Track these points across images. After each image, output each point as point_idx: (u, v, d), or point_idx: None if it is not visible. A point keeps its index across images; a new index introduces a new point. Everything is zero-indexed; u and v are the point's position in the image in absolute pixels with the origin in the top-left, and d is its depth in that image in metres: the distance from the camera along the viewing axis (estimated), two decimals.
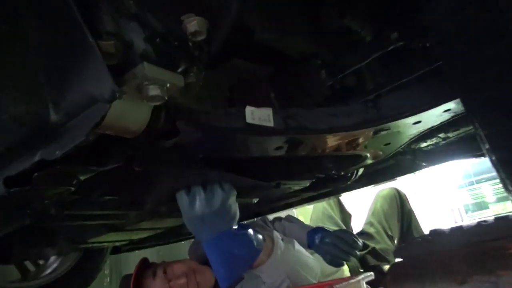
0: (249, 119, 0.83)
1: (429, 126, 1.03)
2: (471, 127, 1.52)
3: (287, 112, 0.89)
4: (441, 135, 1.58)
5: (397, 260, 0.65)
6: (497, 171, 0.67)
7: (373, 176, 2.05)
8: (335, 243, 1.66)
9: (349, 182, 1.69)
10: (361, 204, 3.26)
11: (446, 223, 5.92)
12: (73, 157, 0.72)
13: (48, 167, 0.70)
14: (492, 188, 5.93)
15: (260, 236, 1.15)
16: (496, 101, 0.58)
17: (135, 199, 1.08)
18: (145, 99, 0.60)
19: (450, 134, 1.60)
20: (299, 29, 0.96)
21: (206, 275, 1.56)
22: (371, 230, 2.58)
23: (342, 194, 2.37)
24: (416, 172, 2.01)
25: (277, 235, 1.25)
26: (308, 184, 1.31)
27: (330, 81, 1.07)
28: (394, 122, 0.95)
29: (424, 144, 1.66)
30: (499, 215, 0.59)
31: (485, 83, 0.59)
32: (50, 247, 1.52)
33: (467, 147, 1.77)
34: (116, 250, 2.37)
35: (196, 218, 1.05)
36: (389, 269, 0.63)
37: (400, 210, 2.72)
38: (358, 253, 1.72)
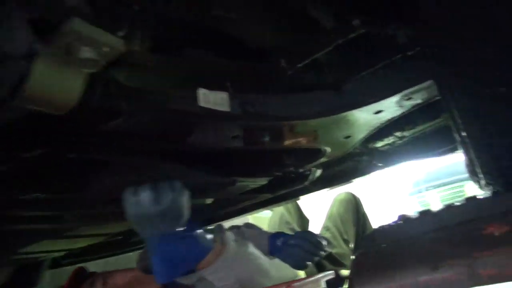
0: (201, 102, 0.75)
1: (389, 117, 1.00)
2: (426, 125, 1.54)
3: (245, 97, 0.82)
4: (398, 133, 1.58)
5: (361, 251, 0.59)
6: (467, 152, 0.63)
7: (331, 178, 2.03)
8: (299, 245, 1.60)
9: (306, 183, 1.65)
10: (319, 210, 3.25)
11: None
12: None
13: None
14: (438, 196, 6.21)
15: (209, 236, 1.07)
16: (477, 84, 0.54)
17: (72, 197, 0.95)
18: (76, 63, 0.51)
19: (406, 133, 1.60)
20: (258, 12, 0.90)
21: (152, 287, 1.44)
22: (327, 234, 2.56)
23: (300, 198, 2.33)
24: (373, 174, 2.01)
25: (229, 236, 1.17)
26: (265, 182, 1.24)
27: (290, 70, 1.01)
28: (356, 111, 0.90)
29: (380, 144, 1.65)
30: (468, 196, 0.55)
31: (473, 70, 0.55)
32: None
33: (422, 147, 1.79)
34: (55, 264, 2.16)
35: (142, 217, 0.97)
36: (353, 261, 0.57)
37: (355, 214, 2.74)
38: (323, 253, 1.68)
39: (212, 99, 0.77)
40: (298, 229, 2.77)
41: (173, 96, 0.70)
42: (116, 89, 0.62)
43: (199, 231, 1.05)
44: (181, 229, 1.01)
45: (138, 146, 0.76)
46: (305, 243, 1.61)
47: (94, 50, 0.50)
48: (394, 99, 0.88)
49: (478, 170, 0.62)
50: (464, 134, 0.57)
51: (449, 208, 0.56)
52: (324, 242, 1.67)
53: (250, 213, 2.27)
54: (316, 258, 1.64)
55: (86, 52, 0.50)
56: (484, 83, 0.51)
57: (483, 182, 0.64)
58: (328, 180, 2.03)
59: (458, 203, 0.56)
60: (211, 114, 0.76)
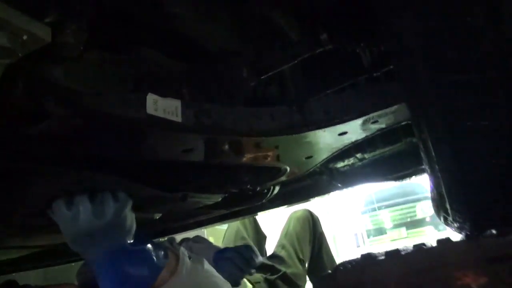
0: (150, 109, 0.66)
1: (353, 139, 0.96)
2: (387, 148, 1.53)
3: (200, 106, 0.74)
4: (358, 155, 1.55)
5: None
6: (436, 186, 0.58)
7: (289, 196, 1.98)
8: (232, 259, 1.53)
9: (264, 200, 1.58)
10: (277, 226, 3.20)
11: (349, 247, 6.19)
12: None
13: None
14: (390, 215, 6.38)
15: (162, 252, 0.96)
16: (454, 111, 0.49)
17: None
18: None
19: (366, 155, 1.58)
20: (219, 15, 0.83)
21: None
22: (282, 253, 2.50)
23: (257, 214, 2.26)
24: (331, 194, 1.99)
25: (183, 251, 1.07)
26: (220, 199, 1.15)
27: (252, 81, 0.95)
28: (319, 132, 0.85)
29: (341, 164, 1.62)
30: (441, 238, 0.50)
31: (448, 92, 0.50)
32: None
33: (380, 170, 1.78)
34: None
35: (81, 233, 0.84)
36: None
37: (312, 232, 2.70)
38: (253, 271, 1.62)
39: (163, 107, 0.68)
40: (253, 245, 2.69)
41: (115, 99, 0.60)
42: (42, 87, 0.52)
43: (149, 245, 0.94)
44: (129, 243, 0.89)
45: (71, 154, 0.65)
46: (238, 258, 1.55)
47: (10, 36, 0.40)
48: (359, 121, 0.83)
49: (447, 206, 0.57)
50: (436, 167, 0.52)
51: (419, 250, 0.50)
52: (258, 260, 1.61)
53: (205, 227, 2.17)
54: (244, 275, 1.59)
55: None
56: (464, 114, 0.46)
57: (450, 218, 0.59)
58: (286, 198, 1.98)
59: (429, 245, 0.51)
60: (160, 124, 0.67)
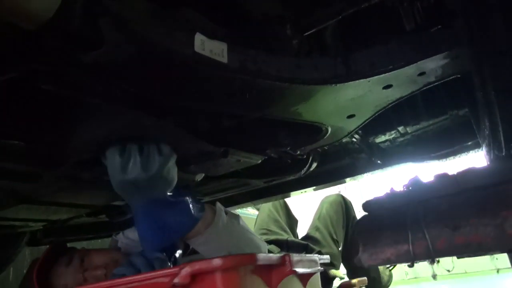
0: (197, 48, 0.68)
1: (398, 95, 0.93)
2: (431, 121, 1.48)
3: (246, 52, 0.75)
4: (400, 128, 1.52)
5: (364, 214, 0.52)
6: (491, 118, 0.56)
7: (327, 175, 1.97)
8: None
9: (302, 173, 1.58)
10: (306, 210, 3.20)
11: None
12: None
13: None
14: None
15: (199, 205, 0.99)
16: None
17: (50, 150, 0.87)
18: None
19: (409, 129, 1.54)
20: None
21: None
22: (317, 234, 2.50)
23: (290, 194, 2.25)
24: (371, 173, 1.95)
25: (220, 206, 1.09)
26: (259, 161, 1.16)
27: (296, 39, 0.94)
28: (363, 83, 0.83)
29: (382, 138, 1.59)
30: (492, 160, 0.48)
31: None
32: None
33: (423, 148, 1.73)
34: (35, 242, 2.07)
35: (128, 182, 0.89)
36: (357, 222, 0.50)
37: (345, 216, 2.68)
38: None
39: (210, 47, 0.70)
40: (287, 228, 2.71)
41: (166, 33, 0.62)
42: (100, 13, 0.54)
43: (188, 198, 0.98)
44: (169, 195, 0.93)
45: (121, 88, 0.68)
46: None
47: None
48: (406, 71, 0.81)
49: (499, 136, 0.55)
50: (492, 94, 0.50)
51: (469, 171, 0.48)
52: None
53: (239, 205, 2.20)
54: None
55: None
56: None
57: (501, 154, 0.57)
58: (324, 177, 1.97)
59: (478, 167, 0.49)
60: (206, 63, 0.68)
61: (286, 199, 2.82)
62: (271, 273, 0.56)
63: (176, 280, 0.47)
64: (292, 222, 2.84)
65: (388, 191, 0.52)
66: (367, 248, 0.45)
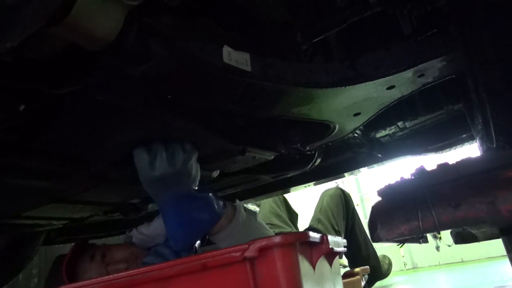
0: (226, 59, 0.77)
1: (399, 95, 1.03)
2: (428, 116, 1.58)
3: (265, 60, 0.84)
4: (399, 123, 1.61)
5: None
6: (483, 113, 0.66)
7: (330, 168, 2.05)
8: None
9: (308, 168, 1.67)
10: (304, 204, 3.31)
11: None
12: (24, 72, 0.62)
13: None
14: None
15: (221, 202, 1.08)
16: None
17: (83, 154, 0.96)
18: None
19: (407, 124, 1.64)
20: None
21: None
22: (319, 226, 2.60)
23: (291, 190, 2.33)
24: (372, 166, 2.04)
25: (239, 203, 1.19)
26: (272, 157, 1.26)
27: (305, 44, 1.04)
28: (369, 85, 0.93)
29: (382, 133, 1.69)
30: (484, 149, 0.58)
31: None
32: None
33: (421, 141, 1.83)
34: (49, 241, 2.15)
35: (156, 178, 0.98)
36: (374, 205, 0.60)
37: (345, 208, 2.78)
38: None
39: (235, 58, 0.79)
40: (289, 221, 2.80)
41: (200, 47, 0.72)
42: (149, 32, 0.64)
43: (211, 193, 1.07)
44: (194, 190, 1.02)
45: (161, 97, 0.77)
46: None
47: None
48: (407, 73, 0.91)
49: (492, 133, 0.65)
50: (483, 95, 0.60)
51: (466, 160, 0.59)
52: None
53: (242, 201, 2.29)
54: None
55: None
56: None
57: (493, 146, 0.67)
58: (326, 171, 2.05)
59: (474, 157, 0.59)
60: (234, 71, 0.78)
61: (285, 194, 2.92)
62: (312, 251, 0.66)
63: (247, 254, 0.57)
64: (292, 215, 2.93)
65: (398, 179, 0.61)
66: (384, 226, 0.55)
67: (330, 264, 0.78)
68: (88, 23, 0.54)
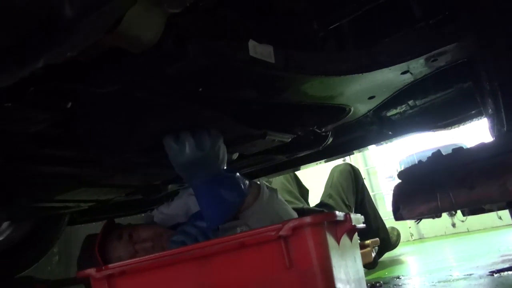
0: (252, 52, 0.82)
1: (412, 79, 1.08)
2: (438, 94, 1.62)
3: (287, 51, 0.89)
4: (410, 102, 1.66)
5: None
6: (495, 100, 0.72)
7: (341, 146, 2.11)
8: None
9: (321, 147, 1.74)
10: (315, 181, 3.39)
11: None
12: (71, 74, 0.68)
13: (45, 83, 0.65)
14: None
15: (246, 181, 1.16)
16: None
17: (115, 144, 1.03)
18: (165, 2, 0.57)
19: (418, 102, 1.68)
20: None
21: None
22: (330, 201, 2.68)
23: (301, 168, 2.39)
24: (381, 144, 2.10)
25: (263, 182, 1.26)
26: (289, 140, 1.32)
27: (321, 32, 1.08)
28: (384, 71, 0.98)
29: (393, 112, 1.73)
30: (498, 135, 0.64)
31: None
32: (6, 205, 1.41)
33: (430, 118, 1.87)
34: (72, 222, 2.26)
35: (187, 163, 1.05)
36: (395, 187, 0.66)
37: (354, 183, 2.86)
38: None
39: (260, 51, 0.84)
40: (300, 197, 2.89)
41: (228, 43, 0.77)
42: (186, 34, 0.69)
43: (238, 173, 1.14)
44: (223, 171, 1.09)
45: (191, 90, 0.83)
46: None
47: None
48: (421, 60, 0.96)
49: (502, 115, 0.70)
50: (496, 84, 0.65)
51: (480, 146, 0.64)
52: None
53: (257, 179, 2.37)
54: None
55: None
56: None
57: (504, 129, 0.73)
58: (338, 148, 2.11)
59: (487, 142, 0.65)
60: (259, 64, 0.83)
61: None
62: (336, 228, 0.73)
63: (281, 233, 0.65)
64: (303, 191, 3.02)
65: (416, 163, 0.68)
66: (406, 206, 0.62)
67: (351, 238, 0.86)
68: (136, 30, 0.60)
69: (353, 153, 2.28)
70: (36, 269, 2.21)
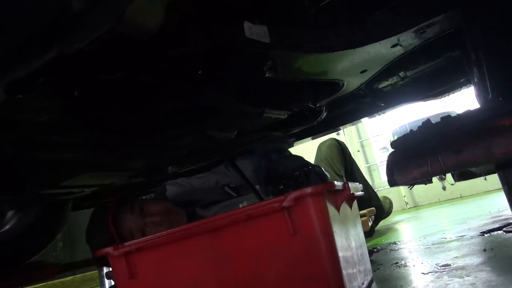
0: (247, 33, 0.85)
1: (403, 51, 1.12)
2: (428, 64, 1.66)
3: (282, 30, 0.92)
4: (401, 73, 1.69)
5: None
6: (480, 71, 0.76)
7: (335, 119, 2.15)
8: None
9: (315, 122, 1.78)
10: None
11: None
12: (80, 63, 0.71)
13: (56, 73, 0.68)
14: None
15: None
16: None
17: (122, 126, 1.07)
18: None
19: (408, 73, 1.72)
20: None
21: (180, 216, 1.60)
22: None
23: (303, 141, 2.44)
24: (376, 115, 2.14)
25: None
26: (285, 116, 1.36)
27: (313, 8, 1.11)
28: (376, 45, 1.01)
29: (384, 84, 1.77)
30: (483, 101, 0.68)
31: None
32: (15, 193, 1.45)
33: (421, 88, 1.91)
34: (75, 207, 2.30)
35: None
36: (389, 155, 0.71)
37: (342, 156, 2.94)
38: None
39: (256, 31, 0.87)
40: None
41: (227, 26, 0.80)
42: (189, 21, 0.72)
43: None
44: None
45: (193, 71, 0.87)
46: None
47: None
48: (411, 32, 0.99)
49: (486, 83, 0.75)
50: (481, 53, 0.69)
51: (466, 112, 0.69)
52: None
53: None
54: None
55: None
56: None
57: (489, 96, 0.77)
58: (333, 122, 2.15)
59: (472, 109, 0.70)
60: (255, 44, 0.86)
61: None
62: (336, 197, 0.78)
63: (284, 204, 0.70)
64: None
65: (408, 132, 0.72)
66: (399, 172, 0.67)
67: (351, 206, 0.92)
68: (138, 18, 0.63)
69: (346, 126, 2.33)
70: (42, 255, 2.26)
